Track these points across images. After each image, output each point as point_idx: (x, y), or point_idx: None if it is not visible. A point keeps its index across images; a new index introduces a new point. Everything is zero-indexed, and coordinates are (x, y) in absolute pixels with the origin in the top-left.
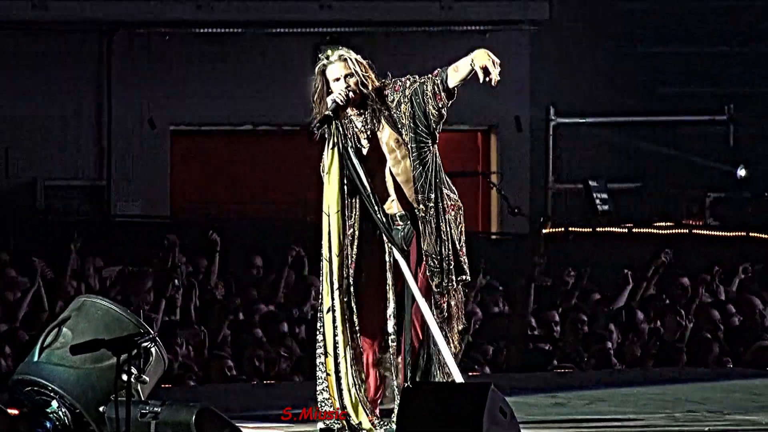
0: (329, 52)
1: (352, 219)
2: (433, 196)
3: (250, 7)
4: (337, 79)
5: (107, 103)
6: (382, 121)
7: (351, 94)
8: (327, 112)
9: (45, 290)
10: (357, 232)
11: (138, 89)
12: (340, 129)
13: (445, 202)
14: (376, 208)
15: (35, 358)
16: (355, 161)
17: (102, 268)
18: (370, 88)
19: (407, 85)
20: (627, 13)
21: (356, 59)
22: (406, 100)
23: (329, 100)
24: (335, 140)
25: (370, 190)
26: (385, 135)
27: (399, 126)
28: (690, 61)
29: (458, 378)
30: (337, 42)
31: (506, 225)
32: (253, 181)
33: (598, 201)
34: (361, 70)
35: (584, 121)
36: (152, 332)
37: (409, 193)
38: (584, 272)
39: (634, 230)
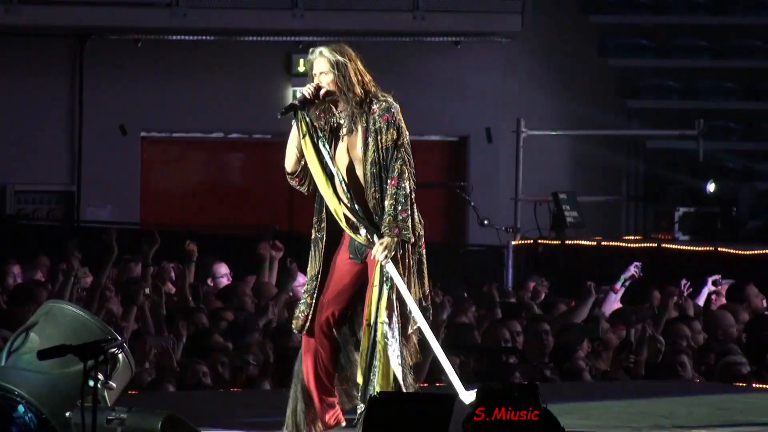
0: (316, 49)
1: (323, 213)
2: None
3: (223, 15)
4: (315, 75)
5: (78, 108)
6: (358, 127)
7: (320, 90)
8: (293, 101)
9: (17, 294)
10: (325, 230)
11: (110, 95)
12: (307, 119)
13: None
14: (349, 195)
15: (2, 363)
16: (325, 150)
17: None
18: (347, 90)
19: (390, 129)
20: (598, 27)
21: (337, 60)
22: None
23: (298, 91)
24: (304, 131)
25: (341, 178)
26: (357, 141)
27: (364, 146)
28: (661, 76)
29: (458, 387)
30: (308, 50)
31: (476, 236)
32: (224, 189)
33: (567, 213)
34: (341, 71)
35: (554, 133)
36: (120, 338)
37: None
38: (546, 284)
39: (602, 243)
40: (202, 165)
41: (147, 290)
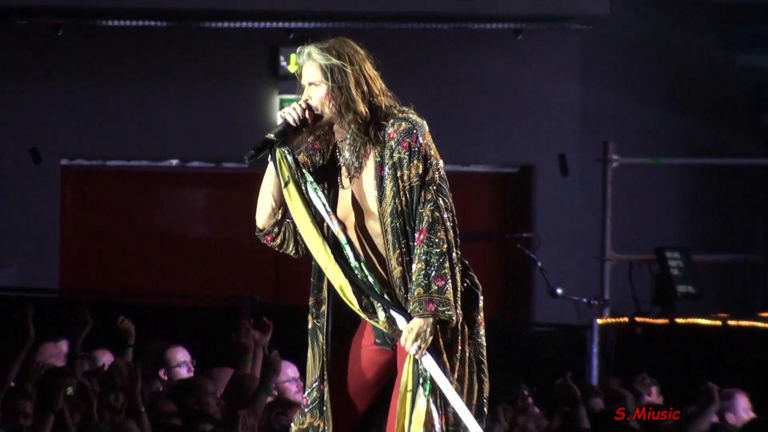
0: (303, 49)
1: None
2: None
3: None
4: (305, 86)
5: None
6: (367, 162)
7: (308, 112)
8: (269, 135)
9: None
10: (327, 316)
11: (17, 107)
12: (290, 159)
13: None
14: (358, 264)
15: None
16: (319, 201)
17: None
18: (346, 109)
19: (414, 160)
20: (723, 9)
21: (332, 65)
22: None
23: (279, 116)
24: (286, 176)
25: (346, 239)
26: (368, 183)
27: (379, 190)
28: None
29: None
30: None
31: (543, 310)
32: (181, 241)
33: (677, 279)
34: (336, 80)
35: (658, 162)
36: None
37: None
38: (650, 382)
39: (729, 322)
40: (149, 206)
41: (70, 390)
